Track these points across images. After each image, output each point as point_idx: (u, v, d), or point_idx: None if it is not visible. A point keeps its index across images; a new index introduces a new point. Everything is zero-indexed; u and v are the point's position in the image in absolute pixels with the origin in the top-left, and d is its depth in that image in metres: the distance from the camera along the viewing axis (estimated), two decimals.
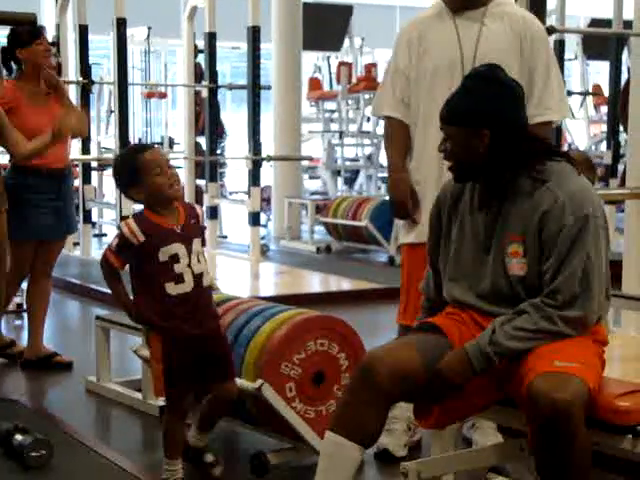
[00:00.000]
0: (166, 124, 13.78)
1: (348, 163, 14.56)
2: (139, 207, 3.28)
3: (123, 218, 7.48)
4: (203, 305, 3.24)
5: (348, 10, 14.23)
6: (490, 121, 2.67)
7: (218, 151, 9.87)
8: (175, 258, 3.15)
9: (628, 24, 6.81)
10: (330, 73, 15.20)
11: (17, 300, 6.46)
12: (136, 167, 3.14)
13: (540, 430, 2.49)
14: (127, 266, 3.22)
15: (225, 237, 10.50)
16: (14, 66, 4.98)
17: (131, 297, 3.23)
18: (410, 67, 3.55)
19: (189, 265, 3.17)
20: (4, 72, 4.93)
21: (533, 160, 2.70)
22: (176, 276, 3.14)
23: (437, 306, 2.92)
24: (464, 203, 2.83)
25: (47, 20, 13.20)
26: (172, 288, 3.14)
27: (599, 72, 15.22)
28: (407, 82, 3.55)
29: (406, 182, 3.57)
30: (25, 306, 5.40)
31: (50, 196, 4.98)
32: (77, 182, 9.14)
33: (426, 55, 3.51)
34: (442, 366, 2.62)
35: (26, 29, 4.96)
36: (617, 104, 8.91)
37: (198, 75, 9.61)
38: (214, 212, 9.13)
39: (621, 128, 9.07)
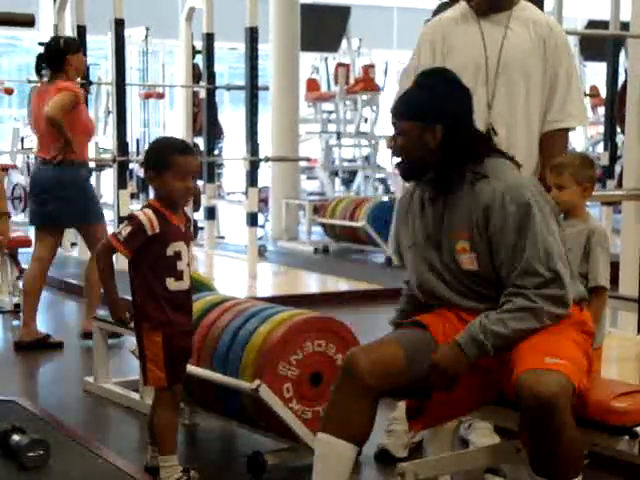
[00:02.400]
0: (164, 125, 13.79)
1: (346, 164, 14.57)
2: (137, 208, 3.29)
3: (121, 219, 7.48)
4: (190, 303, 3.34)
5: (346, 11, 14.25)
6: (443, 117, 2.73)
7: (216, 152, 9.86)
8: (179, 255, 3.21)
9: (625, 26, 6.82)
10: (328, 74, 15.21)
11: (15, 300, 6.43)
12: (164, 162, 3.16)
13: (528, 423, 2.53)
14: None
15: (223, 238, 10.49)
16: (46, 72, 5.59)
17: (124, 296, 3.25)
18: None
19: (188, 265, 3.25)
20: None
21: (476, 156, 2.76)
22: (177, 273, 3.21)
23: (414, 302, 2.95)
24: (414, 201, 2.88)
25: (45, 20, 13.19)
26: (172, 284, 3.20)
27: (596, 73, 15.21)
28: None
29: None
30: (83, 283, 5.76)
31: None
32: None
33: (450, 56, 3.48)
34: (437, 358, 2.63)
35: (73, 40, 5.99)
36: (614, 105, 8.92)
37: (196, 76, 9.60)
38: (212, 213, 9.13)
39: (618, 129, 9.08)
